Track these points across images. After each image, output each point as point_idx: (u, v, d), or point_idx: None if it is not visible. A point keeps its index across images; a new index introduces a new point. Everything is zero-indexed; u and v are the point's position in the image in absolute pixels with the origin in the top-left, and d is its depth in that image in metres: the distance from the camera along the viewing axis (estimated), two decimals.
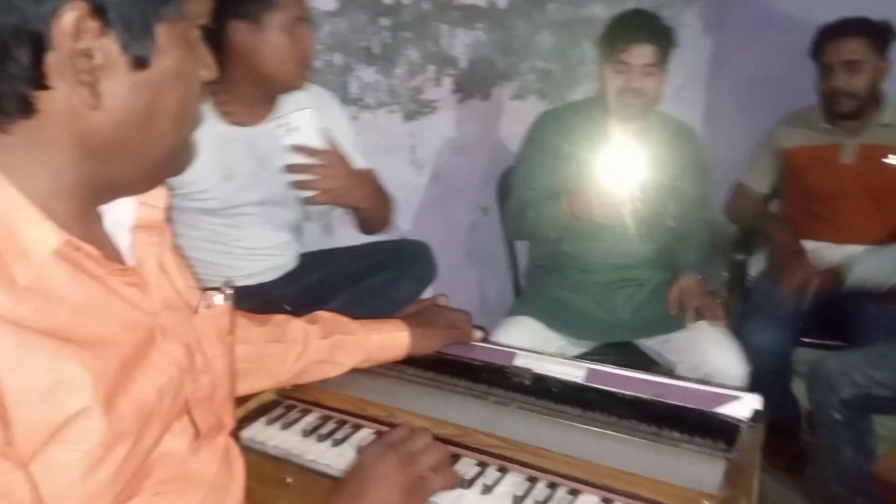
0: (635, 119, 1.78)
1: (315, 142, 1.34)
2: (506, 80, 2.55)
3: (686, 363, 1.71)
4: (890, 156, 2.01)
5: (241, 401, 1.08)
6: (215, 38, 1.11)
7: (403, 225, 2.38)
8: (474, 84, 2.45)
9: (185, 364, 0.72)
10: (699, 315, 1.74)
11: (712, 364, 1.66)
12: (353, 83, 2.14)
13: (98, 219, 0.71)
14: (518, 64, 2.57)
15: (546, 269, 1.94)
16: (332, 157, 1.36)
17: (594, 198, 1.61)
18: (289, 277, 1.71)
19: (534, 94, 2.63)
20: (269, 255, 1.67)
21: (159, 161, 0.68)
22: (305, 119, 1.33)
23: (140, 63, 0.61)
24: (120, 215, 0.72)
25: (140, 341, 0.66)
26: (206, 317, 0.78)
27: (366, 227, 1.66)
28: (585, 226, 1.75)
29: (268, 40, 1.42)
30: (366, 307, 1.45)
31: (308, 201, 1.40)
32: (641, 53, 1.71)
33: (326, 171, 1.35)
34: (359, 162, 1.55)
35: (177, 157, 0.70)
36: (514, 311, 1.84)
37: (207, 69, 0.70)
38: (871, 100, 2.00)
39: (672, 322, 1.77)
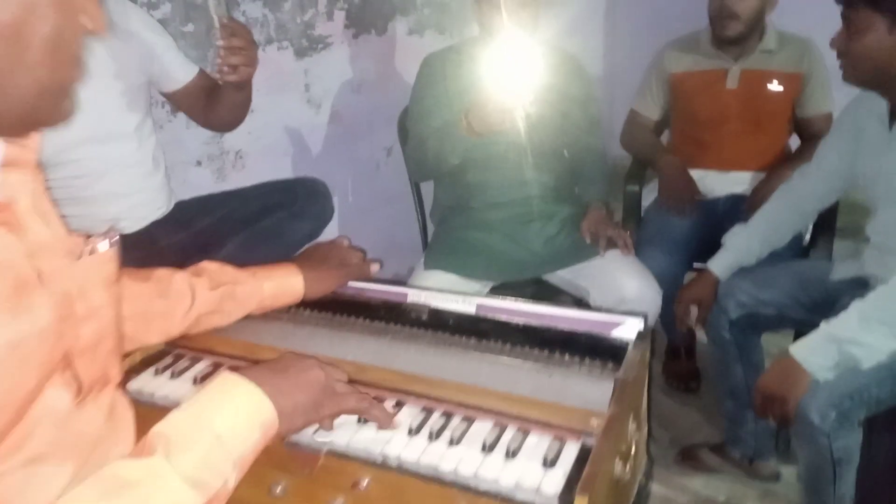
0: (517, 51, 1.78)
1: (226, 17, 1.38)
2: (401, 15, 2.48)
3: (599, 289, 1.74)
4: (774, 80, 2.09)
5: (125, 353, 1.03)
6: None
7: (303, 168, 2.31)
8: (368, 18, 2.37)
9: (65, 311, 0.67)
10: (611, 244, 1.78)
11: (627, 290, 1.70)
12: (239, 18, 2.03)
13: None
14: None
15: (453, 209, 1.93)
16: (244, 28, 1.42)
17: (488, 106, 1.60)
18: (177, 224, 1.63)
19: (431, 28, 2.58)
20: (129, 194, 1.57)
21: (30, 100, 0.61)
22: None
23: None
24: None
25: (13, 283, 0.61)
26: (89, 263, 0.73)
27: (239, 111, 1.68)
28: (486, 154, 1.76)
29: None
30: (261, 250, 1.41)
31: (239, 78, 1.43)
32: None
33: (248, 43, 1.41)
34: None
35: (51, 102, 0.64)
36: (427, 264, 1.82)
37: (90, 19, 0.63)
38: (756, 26, 2.05)
39: (585, 251, 1.80)
